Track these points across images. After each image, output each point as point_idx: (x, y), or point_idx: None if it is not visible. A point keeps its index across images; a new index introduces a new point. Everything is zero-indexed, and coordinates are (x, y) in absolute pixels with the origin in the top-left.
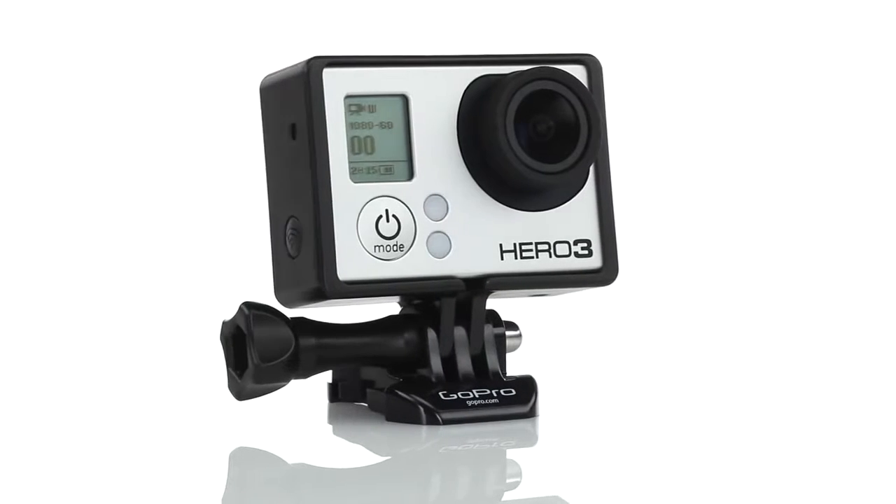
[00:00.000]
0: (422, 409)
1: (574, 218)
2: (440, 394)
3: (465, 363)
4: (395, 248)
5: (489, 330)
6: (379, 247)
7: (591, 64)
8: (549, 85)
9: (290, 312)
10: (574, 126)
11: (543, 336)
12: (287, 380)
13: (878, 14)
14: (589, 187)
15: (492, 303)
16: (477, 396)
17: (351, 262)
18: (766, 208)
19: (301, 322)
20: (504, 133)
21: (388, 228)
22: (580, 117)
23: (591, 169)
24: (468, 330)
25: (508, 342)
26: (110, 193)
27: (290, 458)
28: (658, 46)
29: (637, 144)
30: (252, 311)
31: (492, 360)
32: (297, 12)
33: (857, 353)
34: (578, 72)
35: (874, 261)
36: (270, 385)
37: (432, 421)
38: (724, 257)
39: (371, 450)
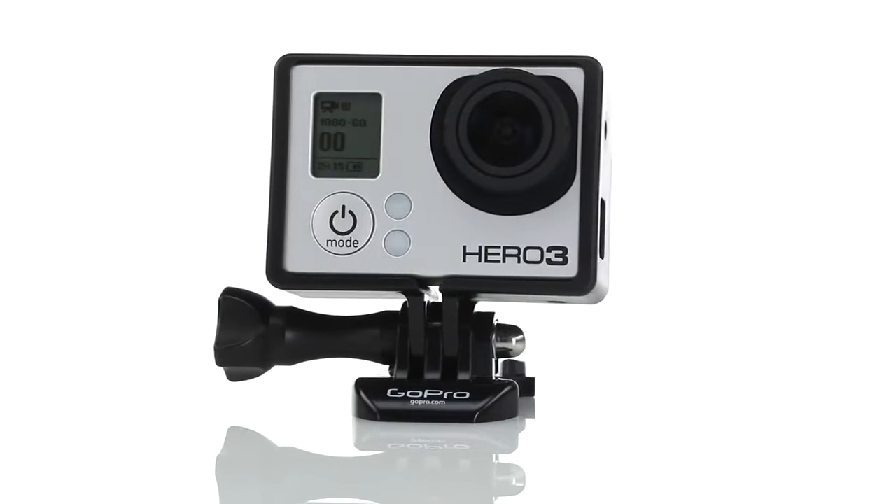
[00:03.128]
0: (363, 403)
1: (551, 224)
2: (388, 391)
3: (431, 363)
4: (348, 243)
5: (467, 332)
6: (332, 241)
7: (588, 67)
8: (511, 87)
9: (299, 302)
10: (537, 130)
11: (551, 342)
12: (263, 366)
13: (879, 18)
14: (573, 193)
15: (498, 307)
16: (425, 396)
17: (301, 255)
18: (771, 219)
19: (281, 311)
20: (455, 133)
21: (343, 224)
22: (544, 121)
23: (578, 174)
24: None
25: (512, 347)
26: (145, 183)
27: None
28: (661, 54)
29: (643, 151)
30: (223, 296)
31: (464, 363)
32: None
33: (851, 370)
34: (576, 75)
35: (869, 280)
36: (245, 369)
37: (370, 416)
38: (726, 267)
39: (308, 440)
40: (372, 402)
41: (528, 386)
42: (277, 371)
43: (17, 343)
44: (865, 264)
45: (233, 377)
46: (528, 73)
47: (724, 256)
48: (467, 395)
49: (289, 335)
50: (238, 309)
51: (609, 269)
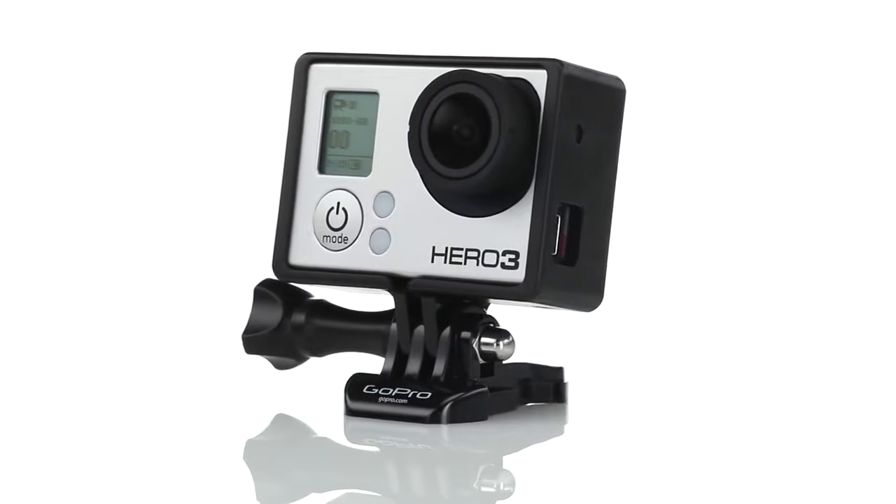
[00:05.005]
0: (344, 399)
1: (508, 227)
2: (365, 388)
3: (412, 362)
4: (340, 239)
5: (446, 332)
6: (327, 237)
7: (551, 69)
8: (464, 88)
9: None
10: (488, 131)
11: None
12: (290, 356)
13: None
14: (528, 197)
15: (507, 311)
16: (392, 394)
17: (302, 249)
18: (773, 224)
19: (307, 304)
20: (417, 134)
21: (336, 220)
22: (492, 122)
23: (534, 177)
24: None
25: (498, 350)
26: (162, 180)
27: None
28: (670, 63)
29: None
30: (256, 287)
31: (440, 363)
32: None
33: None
34: (540, 77)
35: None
36: (278, 358)
37: (347, 412)
38: (734, 274)
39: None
40: (349, 398)
41: (557, 392)
42: (320, 362)
43: (51, 337)
44: (865, 272)
45: (276, 366)
46: (480, 74)
47: (732, 263)
48: (429, 395)
49: (309, 328)
50: (266, 299)
51: (601, 276)
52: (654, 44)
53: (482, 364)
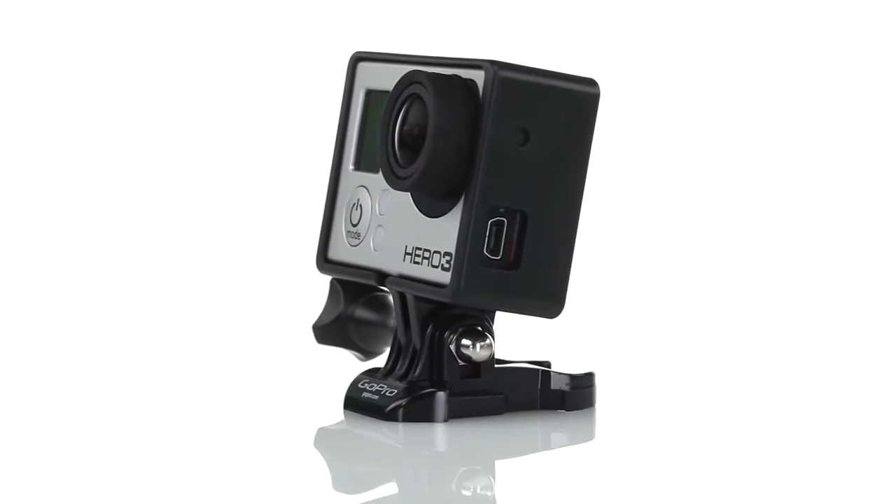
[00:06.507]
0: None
1: (449, 228)
2: (360, 383)
3: (403, 360)
4: (355, 235)
5: (428, 332)
6: (349, 233)
7: (487, 70)
8: (415, 89)
9: None
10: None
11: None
12: (350, 347)
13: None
14: (463, 199)
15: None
16: (373, 390)
17: (337, 244)
18: (754, 226)
19: (364, 298)
20: (386, 133)
21: (355, 216)
22: (429, 123)
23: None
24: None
25: (473, 353)
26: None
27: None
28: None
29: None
30: (332, 279)
31: (419, 362)
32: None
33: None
34: (480, 79)
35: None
36: (354, 353)
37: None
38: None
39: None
40: (348, 389)
41: (562, 400)
42: None
43: (103, 325)
44: (847, 274)
45: (357, 358)
46: (426, 74)
47: (731, 264)
48: (394, 392)
49: (360, 321)
50: (335, 292)
51: (558, 282)
52: (662, 49)
53: (462, 366)
